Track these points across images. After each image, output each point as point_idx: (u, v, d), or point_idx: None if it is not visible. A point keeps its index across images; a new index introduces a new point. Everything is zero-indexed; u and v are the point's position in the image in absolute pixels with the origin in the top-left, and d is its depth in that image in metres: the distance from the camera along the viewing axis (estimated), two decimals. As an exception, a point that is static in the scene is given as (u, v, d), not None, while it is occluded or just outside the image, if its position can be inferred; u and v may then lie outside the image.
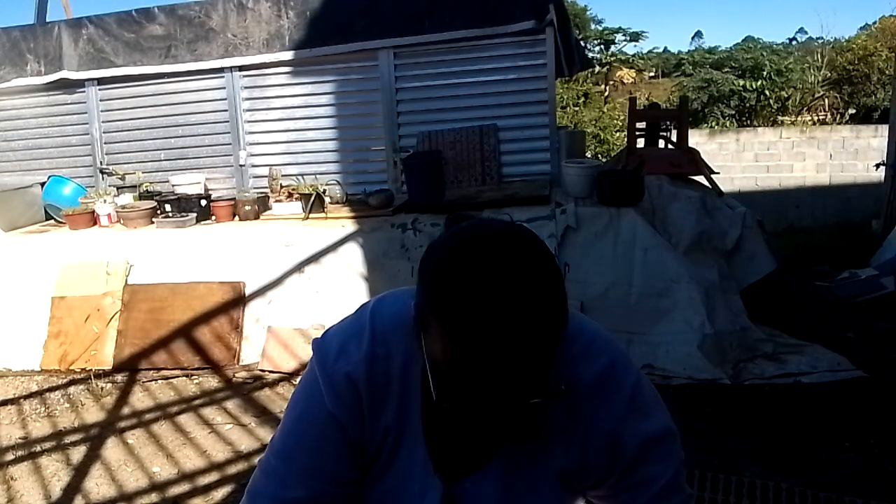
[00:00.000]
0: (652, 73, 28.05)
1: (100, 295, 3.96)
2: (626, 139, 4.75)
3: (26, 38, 4.84)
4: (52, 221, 4.63)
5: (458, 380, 0.76)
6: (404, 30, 4.33)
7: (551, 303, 0.74)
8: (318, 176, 4.41)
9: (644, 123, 4.47)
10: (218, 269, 3.92)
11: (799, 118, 14.20)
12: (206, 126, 4.77)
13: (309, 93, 4.61)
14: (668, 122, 4.73)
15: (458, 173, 4.36)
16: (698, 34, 50.60)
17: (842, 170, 9.83)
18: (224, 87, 4.67)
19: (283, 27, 4.49)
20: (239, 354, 3.82)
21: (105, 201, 4.34)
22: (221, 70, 4.63)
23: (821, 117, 14.93)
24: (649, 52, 29.54)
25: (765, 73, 14.60)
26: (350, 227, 3.87)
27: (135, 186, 4.64)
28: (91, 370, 3.80)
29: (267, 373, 3.70)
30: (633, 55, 24.33)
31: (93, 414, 3.38)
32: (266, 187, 4.52)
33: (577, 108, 14.41)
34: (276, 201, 4.29)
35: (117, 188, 4.63)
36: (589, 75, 17.58)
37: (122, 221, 4.29)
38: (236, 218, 4.22)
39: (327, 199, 4.13)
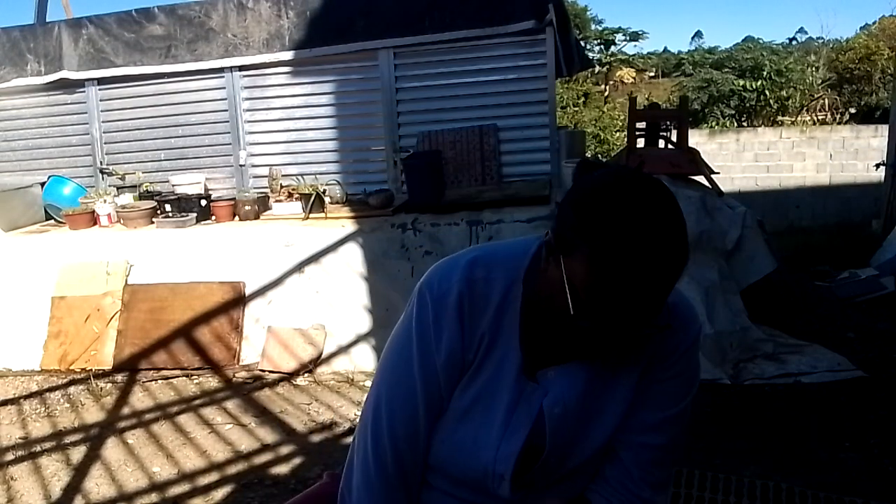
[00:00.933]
0: (652, 73, 28.07)
1: (100, 295, 3.96)
2: (626, 139, 4.75)
3: (26, 38, 4.84)
4: (52, 221, 4.63)
5: (595, 301, 0.87)
6: (404, 30, 4.33)
7: (685, 242, 0.87)
8: (318, 176, 4.41)
9: (644, 123, 4.46)
10: (218, 269, 3.92)
11: (799, 118, 14.20)
12: (206, 126, 4.77)
13: (309, 93, 4.61)
14: (668, 122, 4.72)
15: (458, 173, 4.36)
16: (698, 34, 50.64)
17: (842, 170, 9.83)
18: (224, 87, 4.68)
19: (283, 27, 4.49)
20: (239, 354, 3.82)
21: (105, 201, 4.34)
22: (221, 70, 4.64)
23: (821, 117, 14.93)
24: (650, 53, 29.51)
25: (765, 73, 14.60)
26: (350, 227, 3.87)
27: (135, 186, 4.64)
28: (91, 370, 3.80)
29: (267, 373, 3.70)
30: (633, 55, 24.37)
31: (93, 414, 3.38)
32: (266, 187, 4.52)
33: (577, 108, 14.43)
34: (276, 201, 4.29)
35: (117, 188, 4.64)
36: (589, 75, 17.59)
37: (122, 221, 4.29)
38: (236, 218, 4.22)
39: (327, 199, 4.13)
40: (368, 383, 3.58)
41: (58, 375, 3.84)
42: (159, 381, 3.70)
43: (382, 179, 4.56)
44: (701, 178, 4.21)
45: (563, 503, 1.12)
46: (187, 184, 4.49)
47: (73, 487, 2.69)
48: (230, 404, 3.40)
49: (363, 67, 4.51)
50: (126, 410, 3.41)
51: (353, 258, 3.80)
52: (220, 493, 2.62)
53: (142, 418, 3.30)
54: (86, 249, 4.09)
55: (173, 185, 4.52)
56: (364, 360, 3.77)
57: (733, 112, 14.78)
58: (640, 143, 4.48)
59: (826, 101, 15.65)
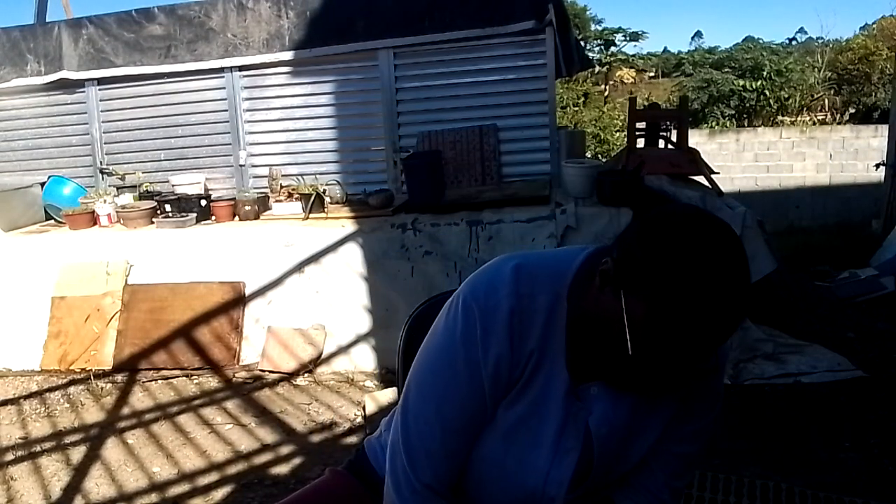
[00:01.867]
0: (652, 73, 28.04)
1: (100, 295, 3.96)
2: (626, 139, 4.75)
3: (26, 38, 4.84)
4: (52, 221, 4.62)
5: (653, 344, 0.87)
6: (404, 30, 4.33)
7: (749, 293, 0.87)
8: (318, 176, 4.41)
9: (644, 123, 4.46)
10: (218, 269, 3.92)
11: (799, 118, 14.20)
12: (206, 126, 4.77)
13: (309, 93, 4.61)
14: (668, 122, 4.73)
15: (458, 173, 4.36)
16: (698, 34, 50.55)
17: (842, 170, 9.84)
18: (224, 87, 4.67)
19: (283, 27, 4.49)
20: (239, 354, 3.82)
21: (105, 201, 4.34)
22: (221, 70, 4.63)
23: (821, 117, 14.93)
24: (649, 53, 29.51)
25: (765, 73, 14.60)
26: (350, 227, 3.87)
27: (135, 186, 4.64)
28: (91, 370, 3.80)
29: (267, 373, 3.70)
30: (633, 55, 24.35)
31: (93, 414, 3.38)
32: (266, 187, 4.52)
33: (577, 108, 14.42)
34: (276, 201, 4.29)
35: (117, 188, 4.63)
36: (589, 75, 17.59)
37: (122, 221, 4.29)
38: (236, 218, 4.22)
39: (327, 199, 4.13)
40: (369, 383, 3.60)
41: (58, 375, 3.84)
42: (159, 381, 3.70)
43: (382, 179, 4.56)
44: (701, 178, 4.21)
45: None
46: (187, 184, 4.49)
47: (73, 487, 2.69)
48: (230, 404, 3.40)
49: (363, 67, 4.51)
50: (126, 410, 3.41)
51: (353, 258, 3.80)
52: (220, 493, 2.62)
53: (142, 418, 3.30)
54: (86, 249, 4.09)
55: (173, 185, 4.52)
56: (364, 361, 3.77)
57: (733, 112, 14.78)
58: (640, 143, 4.49)
59: (826, 101, 15.66)
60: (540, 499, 1.05)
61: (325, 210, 4.09)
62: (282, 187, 4.38)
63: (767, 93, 14.21)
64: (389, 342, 3.39)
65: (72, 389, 3.67)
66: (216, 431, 3.13)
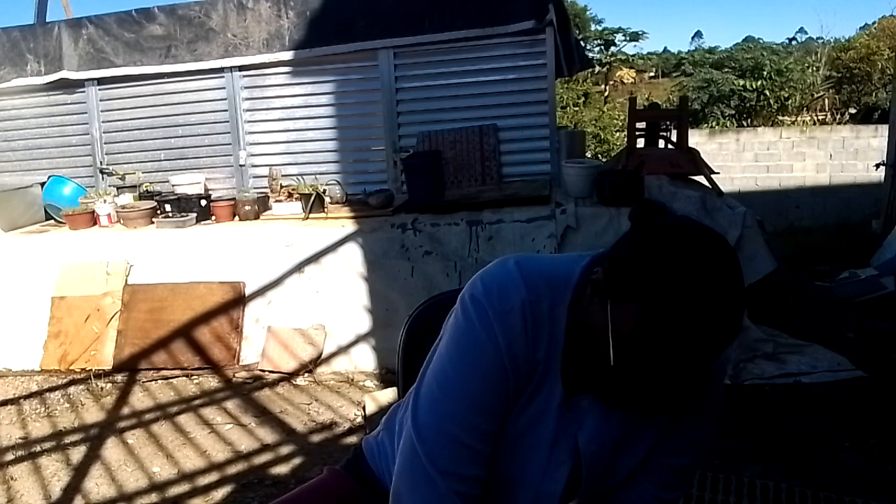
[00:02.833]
0: (652, 73, 28.05)
1: (100, 295, 3.96)
2: (626, 139, 4.75)
3: (26, 38, 4.84)
4: (52, 221, 4.62)
5: (637, 356, 0.84)
6: (404, 30, 4.33)
7: (741, 307, 0.84)
8: (318, 176, 4.41)
9: (644, 123, 4.46)
10: (218, 269, 3.92)
11: (799, 118, 14.19)
12: (206, 126, 4.77)
13: (309, 93, 4.61)
14: (668, 122, 4.73)
15: (458, 173, 4.36)
16: (698, 34, 50.62)
17: (842, 170, 9.83)
18: (224, 87, 4.67)
19: (283, 27, 4.49)
20: (239, 354, 3.82)
21: (105, 201, 4.34)
22: (221, 70, 4.63)
23: (821, 117, 14.93)
24: (650, 53, 29.51)
25: (765, 73, 14.58)
26: (350, 227, 3.87)
27: (135, 186, 4.64)
28: (91, 370, 3.80)
29: (267, 373, 3.70)
30: (633, 55, 24.34)
31: (93, 414, 3.38)
32: (266, 187, 4.52)
33: (577, 108, 14.42)
34: (276, 201, 4.29)
35: (117, 188, 4.63)
36: (589, 75, 17.59)
37: (122, 221, 4.29)
38: (236, 218, 4.22)
39: (327, 199, 4.13)
40: (369, 383, 3.60)
41: (58, 375, 3.84)
42: (159, 381, 3.70)
43: (382, 179, 4.56)
44: (701, 178, 4.21)
45: None
46: (187, 184, 4.49)
47: (73, 487, 2.69)
48: (230, 404, 3.40)
49: (363, 67, 4.50)
50: (126, 410, 3.41)
51: (353, 258, 3.80)
52: (220, 493, 2.62)
53: (142, 418, 3.30)
54: (86, 249, 4.09)
55: (173, 185, 4.52)
56: (364, 360, 3.77)
57: (733, 112, 14.76)
58: (640, 143, 4.49)
59: (826, 101, 15.65)
60: None
61: (325, 210, 4.09)
62: (282, 187, 4.38)
63: (767, 93, 14.20)
64: (389, 342, 3.39)
65: (72, 389, 3.67)
66: (216, 431, 3.13)
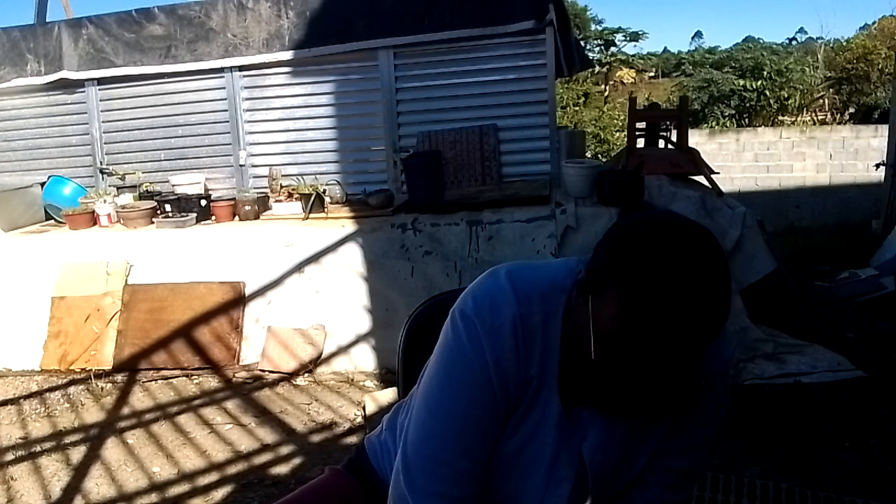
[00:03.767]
0: (652, 73, 28.06)
1: (100, 295, 3.96)
2: (626, 139, 4.75)
3: (26, 38, 4.83)
4: (52, 221, 4.62)
5: (620, 349, 0.82)
6: (404, 30, 4.33)
7: (727, 296, 0.81)
8: (318, 176, 4.41)
9: (644, 123, 4.46)
10: (218, 269, 3.92)
11: (799, 118, 14.20)
12: (206, 126, 4.76)
13: (309, 93, 4.61)
14: (668, 122, 4.72)
15: (458, 173, 4.36)
16: (698, 34, 50.63)
17: (842, 170, 9.83)
18: (224, 87, 4.67)
19: (283, 27, 4.49)
20: (239, 354, 3.82)
21: (105, 201, 4.34)
22: (221, 70, 4.63)
23: (821, 117, 14.94)
24: (650, 53, 29.52)
25: (765, 73, 14.58)
26: (350, 227, 3.87)
27: (135, 186, 4.64)
28: (91, 370, 3.80)
29: (267, 373, 3.70)
30: (633, 55, 24.35)
31: (93, 414, 3.38)
32: (266, 187, 4.52)
33: (577, 108, 14.43)
34: (276, 201, 4.29)
35: (117, 188, 4.63)
36: (589, 75, 17.59)
37: (122, 221, 4.29)
38: (236, 218, 4.22)
39: (327, 199, 4.13)
40: (369, 383, 3.60)
41: (58, 375, 3.84)
42: (159, 381, 3.70)
43: (382, 179, 4.56)
44: (701, 178, 4.21)
45: None
46: (187, 184, 4.48)
47: (73, 487, 2.69)
48: (230, 404, 3.40)
49: (363, 67, 4.50)
50: (126, 410, 3.41)
51: (353, 258, 3.80)
52: (220, 493, 2.62)
53: (142, 418, 3.30)
54: (86, 249, 4.09)
55: (173, 185, 4.52)
56: (364, 360, 3.77)
57: (733, 112, 14.76)
58: (640, 143, 4.49)
59: (826, 101, 15.65)
60: None
61: (325, 210, 4.09)
62: (282, 187, 4.38)
63: (767, 93, 14.20)
64: (389, 342, 3.39)
65: (72, 389, 3.67)
66: (216, 431, 3.13)
